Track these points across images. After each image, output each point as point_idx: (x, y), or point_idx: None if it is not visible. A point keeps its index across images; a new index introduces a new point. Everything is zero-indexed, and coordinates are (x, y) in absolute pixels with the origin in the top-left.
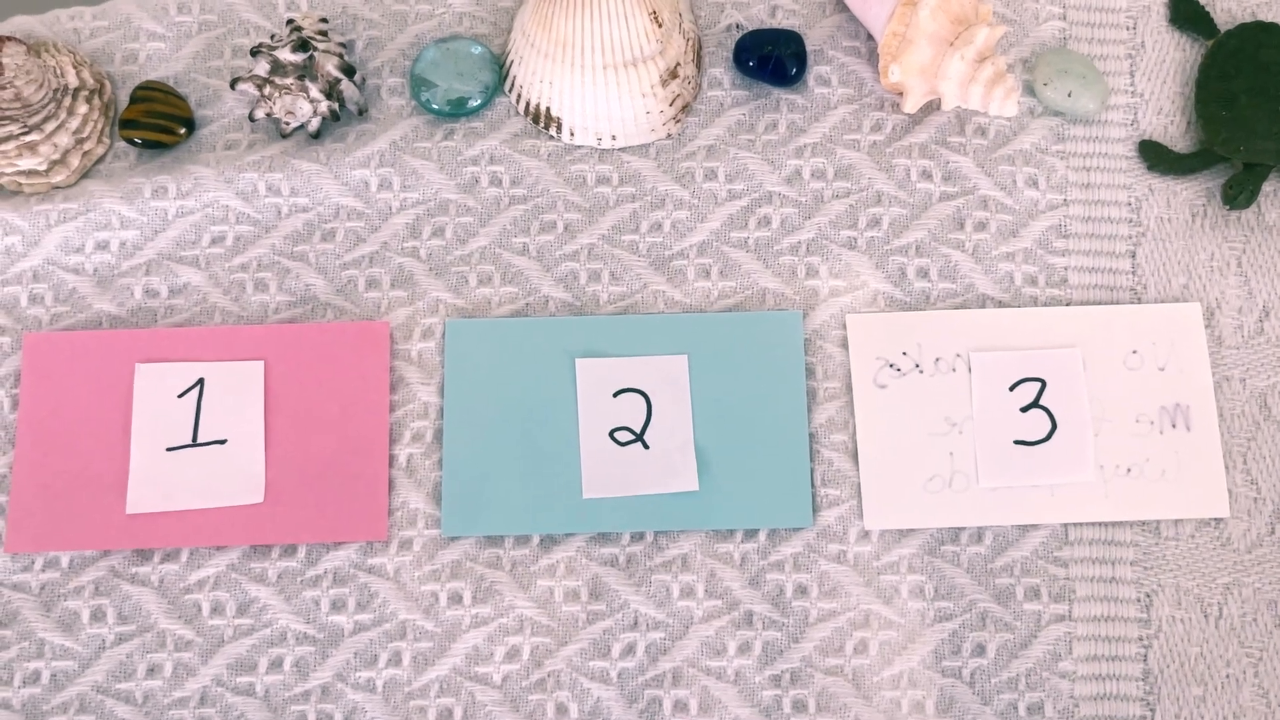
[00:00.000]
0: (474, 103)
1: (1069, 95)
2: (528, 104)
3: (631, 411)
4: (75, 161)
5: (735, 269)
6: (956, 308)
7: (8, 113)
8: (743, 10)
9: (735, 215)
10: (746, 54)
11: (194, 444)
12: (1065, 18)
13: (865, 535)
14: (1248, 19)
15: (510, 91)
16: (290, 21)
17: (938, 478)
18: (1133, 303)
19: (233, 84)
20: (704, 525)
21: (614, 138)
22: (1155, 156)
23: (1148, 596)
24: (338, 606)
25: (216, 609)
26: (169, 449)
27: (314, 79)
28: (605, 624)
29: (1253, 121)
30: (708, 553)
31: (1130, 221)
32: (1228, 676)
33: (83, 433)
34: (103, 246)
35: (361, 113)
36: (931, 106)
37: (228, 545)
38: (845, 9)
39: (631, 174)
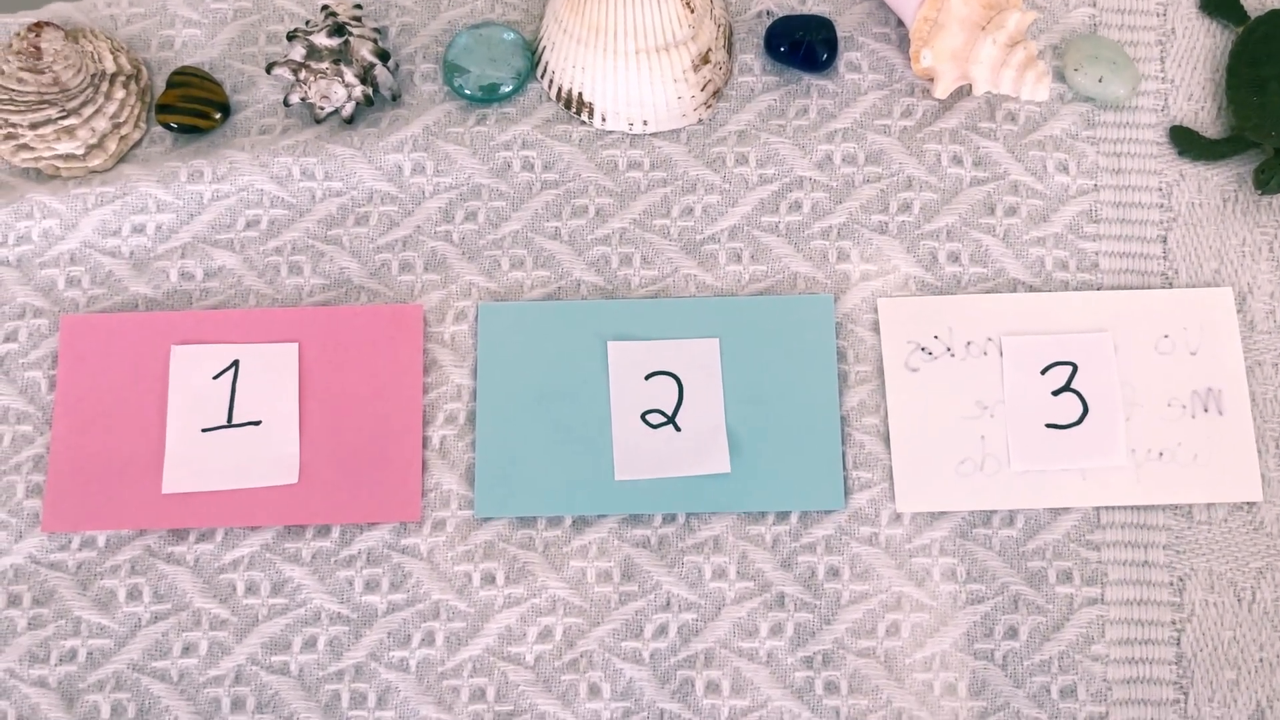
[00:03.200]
0: (506, 88)
1: (1100, 81)
2: (560, 89)
3: (663, 394)
4: (112, 146)
5: (766, 253)
6: (987, 292)
7: (46, 97)
8: None
9: (766, 200)
10: (777, 40)
11: (229, 425)
12: (1096, 4)
13: (897, 518)
14: (1277, 5)
15: (542, 77)
16: (325, 7)
17: (969, 461)
18: (1164, 287)
19: (268, 69)
20: (736, 507)
21: (645, 123)
22: (1186, 142)
23: (1180, 580)
24: (371, 587)
25: (251, 588)
26: (204, 430)
27: (348, 64)
28: (637, 605)
29: None
30: (739, 534)
31: (1161, 207)
32: (1261, 660)
33: (119, 414)
34: (139, 230)
35: (395, 98)
36: (962, 92)
37: (262, 525)
38: None
39: (663, 159)
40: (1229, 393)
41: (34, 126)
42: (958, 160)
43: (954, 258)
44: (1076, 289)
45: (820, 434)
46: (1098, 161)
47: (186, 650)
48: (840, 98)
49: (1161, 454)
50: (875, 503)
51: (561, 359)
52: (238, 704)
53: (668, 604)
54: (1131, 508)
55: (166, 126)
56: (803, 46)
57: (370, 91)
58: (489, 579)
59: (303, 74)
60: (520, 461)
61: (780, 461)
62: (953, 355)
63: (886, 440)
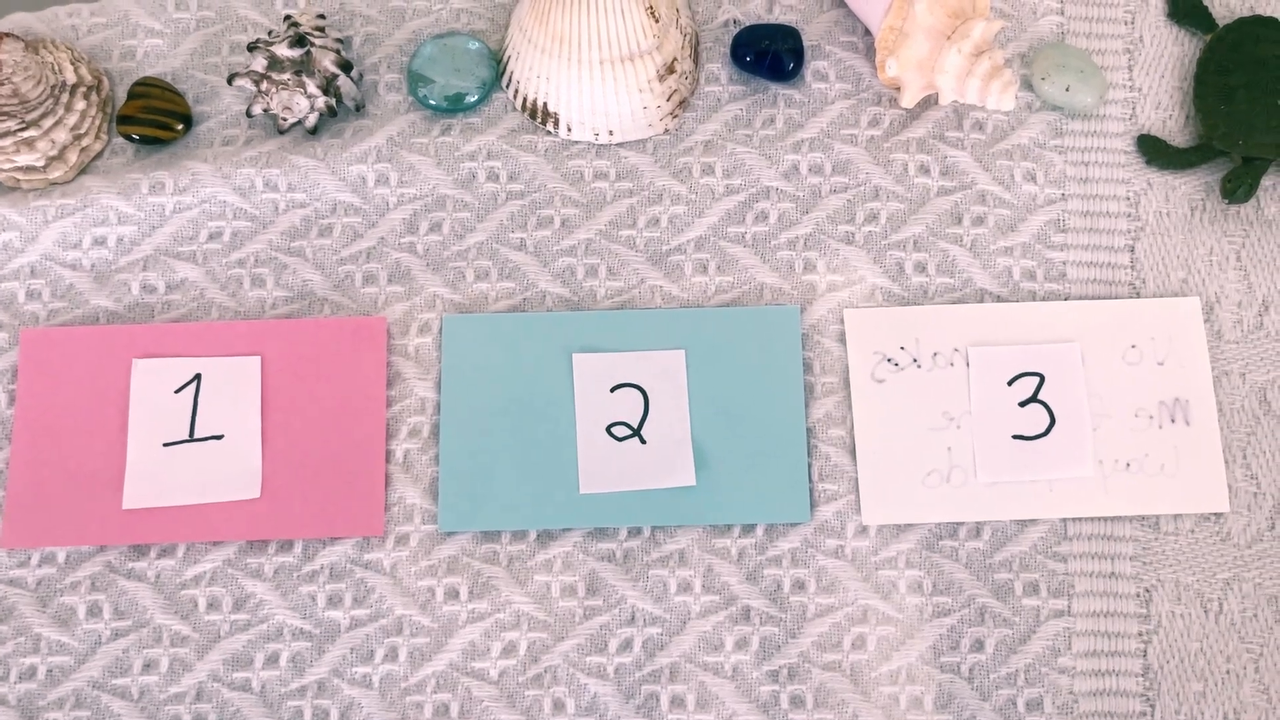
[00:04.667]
0: (471, 98)
1: (1067, 90)
2: (525, 99)
3: (629, 406)
4: (73, 158)
5: (733, 264)
6: (954, 302)
7: (5, 109)
8: (740, 5)
9: (733, 210)
10: (744, 49)
11: (191, 439)
12: (1063, 12)
13: (863, 530)
14: (1246, 13)
15: (507, 87)
16: (287, 18)
17: (936, 473)
18: (1131, 297)
19: (230, 80)
20: (701, 520)
21: (611, 133)
22: (1154, 151)
23: (1147, 592)
24: (334, 602)
25: (213, 604)
26: (166, 444)
27: (311, 75)
28: (602, 619)
29: (1251, 116)
30: (705, 548)
31: (1129, 216)
32: (1228, 672)
33: (79, 428)
34: (100, 242)
35: (359, 109)
36: (929, 101)
37: (224, 541)
38: (842, 4)
39: (629, 169)
40: (1196, 403)
41: None
42: (925, 170)
43: (921, 268)
44: (1044, 299)
45: (786, 446)
46: (1065, 171)
47: (147, 667)
48: (807, 107)
49: (1129, 465)
50: (841, 515)
51: (526, 371)
52: None
53: (632, 618)
54: (1098, 519)
55: (128, 138)
56: (769, 56)
57: (334, 102)
58: (452, 594)
59: (265, 85)
60: (484, 475)
61: (746, 474)
62: (919, 366)
63: (852, 452)
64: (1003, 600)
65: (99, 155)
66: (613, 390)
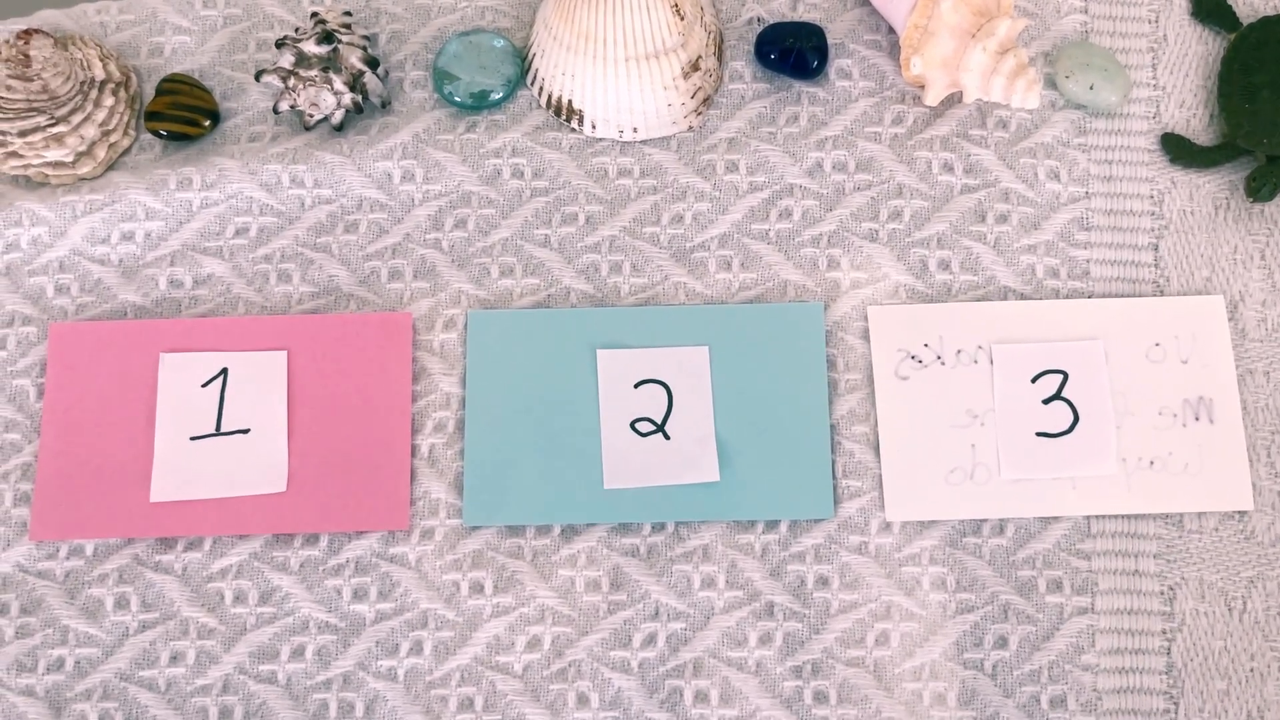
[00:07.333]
0: (496, 95)
1: (1091, 88)
2: (549, 96)
3: (652, 402)
4: (101, 153)
5: (756, 261)
6: (978, 300)
7: (35, 105)
8: (764, 3)
9: (756, 207)
10: (768, 47)
11: (217, 433)
12: (1087, 11)
13: (886, 527)
14: (1270, 12)
15: (532, 84)
16: (314, 14)
17: (959, 469)
18: (1155, 295)
19: (257, 76)
20: (725, 516)
21: (635, 130)
22: (1178, 150)
23: (1171, 590)
24: (359, 595)
25: (239, 597)
26: (193, 438)
27: (338, 71)
28: (626, 614)
29: (1275, 114)
30: (729, 543)
31: (1153, 214)
32: (1252, 670)
33: (107, 422)
34: (128, 237)
35: (384, 105)
36: (953, 99)
37: (250, 534)
38: (867, 2)
39: (653, 166)
40: (1220, 401)
41: (23, 134)
42: (948, 168)
43: (944, 265)
44: (1067, 297)
45: (810, 442)
46: (1089, 169)
47: (174, 659)
48: (831, 105)
49: (1152, 463)
50: (865, 511)
51: (551, 367)
52: (225, 713)
53: (656, 613)
54: (1122, 517)
55: (156, 134)
56: (793, 53)
57: (360, 99)
58: (477, 588)
59: (292, 81)
60: (509, 470)
61: (769, 470)
62: (943, 363)
63: (876, 449)
64: (1026, 597)
65: (127, 151)
66: (636, 386)
